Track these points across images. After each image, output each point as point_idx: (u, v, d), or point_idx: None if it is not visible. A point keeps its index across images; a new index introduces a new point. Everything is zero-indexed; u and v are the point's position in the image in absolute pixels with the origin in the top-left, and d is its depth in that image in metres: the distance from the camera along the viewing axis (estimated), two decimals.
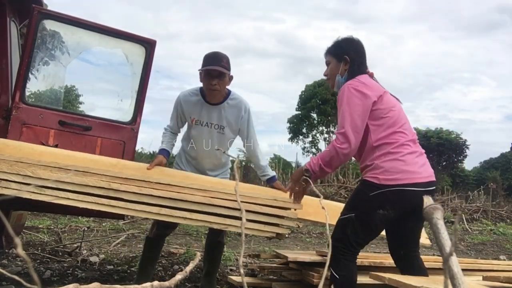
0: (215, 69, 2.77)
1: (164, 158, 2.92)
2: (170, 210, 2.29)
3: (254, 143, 3.06)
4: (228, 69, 2.84)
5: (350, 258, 2.23)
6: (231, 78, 2.91)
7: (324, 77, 2.52)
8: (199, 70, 2.84)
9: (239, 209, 2.26)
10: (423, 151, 2.35)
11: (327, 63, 2.45)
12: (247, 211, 2.28)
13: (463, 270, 0.94)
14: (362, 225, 2.20)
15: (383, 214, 2.16)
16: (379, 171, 2.18)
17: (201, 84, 2.92)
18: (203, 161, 3.02)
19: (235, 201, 2.26)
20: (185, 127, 3.09)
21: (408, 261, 2.32)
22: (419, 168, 2.21)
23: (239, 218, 2.29)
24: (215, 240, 3.07)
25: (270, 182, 3.05)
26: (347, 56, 2.34)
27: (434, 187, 2.27)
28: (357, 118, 2.17)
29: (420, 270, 2.29)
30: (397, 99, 2.42)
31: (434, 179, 2.28)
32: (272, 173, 3.07)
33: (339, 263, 2.18)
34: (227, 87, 2.94)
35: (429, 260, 3.08)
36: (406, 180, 2.16)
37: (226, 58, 2.84)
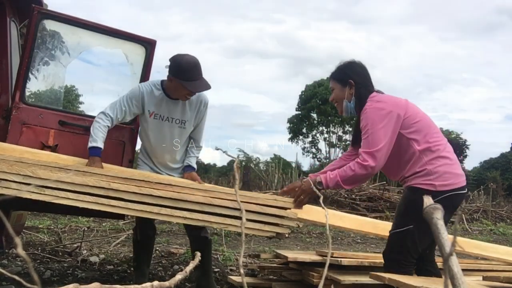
0: (201, 91, 2.80)
1: (101, 160, 2.67)
2: (170, 210, 2.29)
3: (202, 134, 3.06)
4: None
5: (410, 270, 2.21)
6: None
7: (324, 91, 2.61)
8: (180, 81, 2.69)
9: (239, 209, 2.26)
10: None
11: (332, 89, 2.46)
12: (247, 211, 2.28)
13: (463, 270, 0.94)
14: (423, 235, 2.13)
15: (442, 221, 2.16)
16: (433, 177, 2.14)
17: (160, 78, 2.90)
18: (163, 156, 2.95)
19: (235, 201, 2.26)
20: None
21: (425, 261, 2.34)
22: (462, 171, 2.25)
23: (239, 218, 2.29)
24: (198, 235, 2.94)
25: (186, 170, 3.00)
26: (351, 80, 2.34)
27: (467, 191, 2.30)
28: (380, 136, 2.14)
29: (435, 271, 2.32)
30: None
31: (466, 182, 2.30)
32: (194, 165, 3.04)
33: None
34: None
35: None
36: (459, 184, 2.19)
37: (200, 68, 2.77)
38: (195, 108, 2.94)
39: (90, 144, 2.67)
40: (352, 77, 2.35)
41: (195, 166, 3.06)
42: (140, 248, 3.07)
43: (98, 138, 2.68)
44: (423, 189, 2.10)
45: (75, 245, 4.29)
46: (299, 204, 2.44)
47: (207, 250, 3.02)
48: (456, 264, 0.91)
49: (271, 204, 2.47)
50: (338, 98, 2.42)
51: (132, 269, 3.58)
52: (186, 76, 2.69)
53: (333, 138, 35.70)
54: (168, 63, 2.81)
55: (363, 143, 2.20)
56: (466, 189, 2.22)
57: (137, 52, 3.18)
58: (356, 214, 8.73)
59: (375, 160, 2.14)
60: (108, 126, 2.76)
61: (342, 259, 2.84)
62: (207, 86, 2.77)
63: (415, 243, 2.18)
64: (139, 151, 3.17)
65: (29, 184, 2.12)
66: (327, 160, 32.54)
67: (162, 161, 2.98)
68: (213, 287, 3.05)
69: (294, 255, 3.04)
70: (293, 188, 2.51)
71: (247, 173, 12.52)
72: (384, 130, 2.15)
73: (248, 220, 2.30)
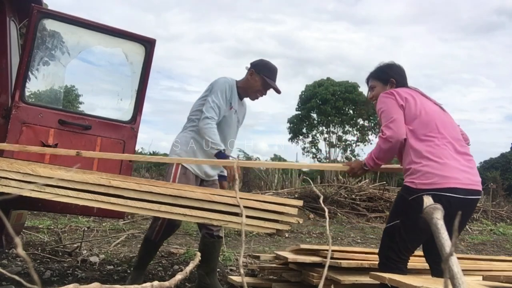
0: (279, 90, 3.08)
1: None
2: (170, 207, 2.29)
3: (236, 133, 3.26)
4: None
5: (402, 267, 2.25)
6: None
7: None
8: (263, 76, 3.02)
9: (239, 206, 2.26)
10: (470, 157, 2.33)
11: (372, 88, 2.62)
12: (246, 207, 2.28)
13: (463, 270, 0.94)
14: (408, 230, 2.23)
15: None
16: (416, 175, 2.20)
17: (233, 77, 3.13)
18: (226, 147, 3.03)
19: (235, 197, 2.26)
20: None
21: (437, 262, 2.33)
22: (458, 174, 2.19)
23: (239, 215, 2.29)
24: (212, 234, 3.02)
25: (220, 179, 3.22)
26: (393, 78, 2.53)
27: (476, 197, 2.23)
28: (392, 111, 2.31)
29: None
30: (440, 106, 2.47)
31: (478, 187, 2.25)
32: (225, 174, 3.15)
33: (393, 273, 2.17)
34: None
35: None
36: (443, 185, 2.14)
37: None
38: (244, 110, 3.27)
39: (216, 150, 2.77)
40: (394, 76, 2.54)
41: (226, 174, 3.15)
42: (152, 249, 3.06)
43: (218, 142, 2.79)
44: (406, 186, 2.24)
45: (75, 245, 4.29)
46: (353, 174, 2.64)
47: (217, 250, 3.09)
48: (456, 264, 0.90)
49: (271, 201, 2.47)
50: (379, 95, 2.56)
51: (132, 269, 3.58)
52: (270, 74, 3.06)
53: (333, 138, 35.69)
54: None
55: (381, 122, 2.40)
56: (466, 195, 2.14)
57: (137, 51, 3.18)
58: (356, 214, 8.74)
59: (391, 130, 2.28)
60: (215, 126, 2.90)
61: (341, 261, 2.83)
62: (279, 90, 3.11)
63: (402, 238, 2.25)
64: (183, 144, 3.02)
65: (29, 182, 2.11)
66: (327, 160, 32.54)
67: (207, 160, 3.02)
68: (217, 286, 3.05)
69: (294, 255, 3.04)
70: (349, 165, 2.67)
71: (247, 173, 12.52)
72: (393, 106, 2.34)
73: (247, 217, 2.30)
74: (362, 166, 2.48)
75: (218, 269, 3.72)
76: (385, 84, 2.54)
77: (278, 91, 3.10)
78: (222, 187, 3.17)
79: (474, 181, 2.23)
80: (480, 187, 2.28)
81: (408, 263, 2.37)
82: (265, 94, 3.12)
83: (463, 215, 2.23)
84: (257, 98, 3.15)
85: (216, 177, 3.19)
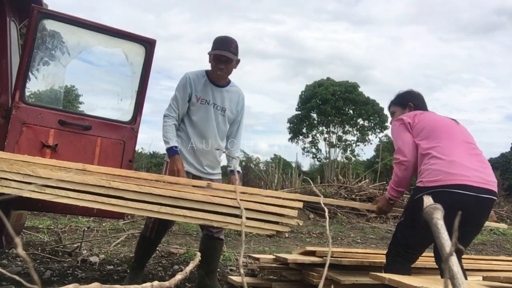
0: (224, 55, 2.87)
1: (181, 158, 2.89)
2: (170, 208, 2.29)
3: (240, 130, 3.19)
4: (236, 54, 2.95)
5: (400, 260, 2.34)
6: (238, 62, 3.01)
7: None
8: (208, 53, 2.92)
9: (239, 208, 2.26)
10: (483, 159, 2.36)
11: (392, 113, 2.79)
12: (247, 209, 2.28)
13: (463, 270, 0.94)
14: (409, 228, 2.34)
15: None
16: (425, 174, 2.26)
17: (206, 67, 3.02)
18: (209, 143, 2.98)
19: (235, 199, 2.26)
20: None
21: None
22: (467, 171, 2.20)
23: (239, 216, 2.29)
24: (212, 235, 2.99)
25: (232, 173, 3.15)
26: (411, 103, 2.69)
27: (490, 196, 2.23)
28: (402, 136, 2.47)
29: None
30: (454, 120, 2.57)
31: (491, 187, 2.25)
32: (235, 168, 3.09)
33: (388, 264, 2.35)
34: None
35: (430, 260, 3.07)
36: (449, 181, 2.16)
37: (235, 43, 2.94)
38: (235, 99, 3.10)
39: (166, 147, 2.89)
40: (411, 100, 2.70)
41: (236, 168, 3.10)
42: (148, 247, 3.04)
43: (169, 138, 2.89)
44: (416, 186, 2.32)
45: (75, 245, 4.29)
46: (381, 213, 2.81)
47: (218, 251, 3.07)
48: (456, 264, 0.90)
49: (271, 203, 2.47)
50: None
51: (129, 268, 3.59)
52: (215, 45, 2.91)
53: (333, 138, 35.70)
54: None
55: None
56: (478, 193, 2.15)
57: (137, 52, 3.18)
58: (356, 214, 8.74)
59: (402, 154, 2.42)
60: (175, 124, 2.95)
61: (342, 258, 2.84)
62: (227, 52, 2.85)
63: (404, 235, 2.38)
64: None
65: (29, 183, 2.11)
66: (327, 160, 32.54)
67: (203, 148, 2.98)
68: (217, 287, 3.04)
69: (293, 257, 3.04)
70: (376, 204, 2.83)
71: (247, 173, 12.52)
72: (400, 131, 2.50)
73: (248, 218, 2.30)
74: (387, 201, 2.61)
75: (218, 269, 3.72)
76: (404, 108, 2.69)
77: (220, 55, 2.86)
78: (232, 182, 3.08)
79: (486, 180, 2.23)
80: (494, 187, 2.28)
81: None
82: (222, 67, 2.90)
83: (477, 215, 2.23)
84: (219, 76, 2.95)
85: (217, 175, 3.13)
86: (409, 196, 2.65)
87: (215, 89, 3.01)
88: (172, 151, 2.87)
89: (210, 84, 3.00)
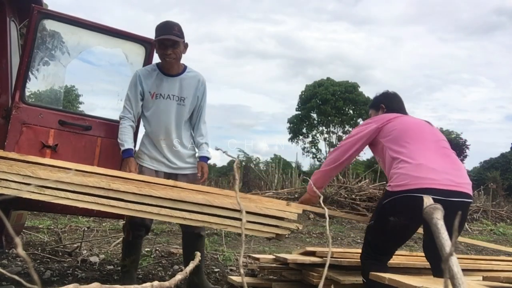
0: (168, 38, 2.78)
1: (135, 161, 2.85)
2: (169, 210, 2.29)
3: (202, 116, 3.06)
4: (181, 36, 2.84)
5: (374, 262, 2.34)
6: (186, 45, 2.92)
7: None
8: (152, 42, 2.88)
9: (238, 210, 2.26)
10: (455, 160, 2.32)
11: (370, 115, 2.82)
12: (247, 212, 2.28)
13: (463, 270, 0.94)
14: (378, 231, 2.36)
15: (395, 221, 2.18)
16: (393, 178, 2.25)
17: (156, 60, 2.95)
18: (169, 136, 2.90)
19: (235, 202, 2.26)
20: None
21: (439, 267, 2.33)
22: (435, 174, 2.14)
23: (239, 219, 2.29)
24: (192, 232, 2.89)
25: (200, 160, 3.03)
26: (383, 104, 2.72)
27: (461, 199, 2.15)
28: (348, 139, 2.58)
29: None
30: (427, 122, 2.58)
31: (463, 189, 2.17)
32: (206, 153, 3.02)
33: (364, 267, 2.36)
34: (184, 63, 2.98)
35: None
36: (416, 185, 2.11)
37: (177, 26, 2.84)
38: (193, 85, 2.98)
39: (121, 149, 2.85)
40: (383, 102, 2.72)
41: (206, 154, 3.02)
42: (130, 248, 2.96)
43: (124, 141, 2.86)
44: (385, 190, 2.34)
45: (75, 245, 4.29)
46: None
47: (199, 248, 2.94)
48: (456, 264, 0.91)
49: (270, 207, 2.47)
50: None
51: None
52: (156, 34, 2.82)
53: (333, 138, 35.70)
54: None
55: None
56: (448, 197, 2.07)
57: (137, 52, 3.18)
58: (356, 214, 8.74)
59: (334, 152, 2.62)
60: (131, 126, 2.90)
61: (342, 259, 2.84)
62: (170, 35, 2.75)
63: (373, 238, 2.41)
64: (139, 145, 3.06)
65: (29, 184, 2.11)
66: None
67: (169, 143, 2.92)
68: (205, 284, 3.01)
69: (293, 257, 3.04)
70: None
71: (247, 173, 12.52)
72: (355, 134, 2.56)
73: (247, 221, 2.30)
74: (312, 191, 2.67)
75: (218, 269, 3.72)
76: (377, 110, 2.73)
77: (164, 39, 2.77)
78: (203, 168, 2.97)
79: (457, 182, 2.16)
80: (467, 190, 2.19)
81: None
82: (170, 53, 2.81)
83: (448, 220, 2.20)
84: (168, 63, 2.86)
85: (191, 169, 3.00)
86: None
87: (169, 80, 2.91)
88: (125, 154, 2.84)
89: (163, 75, 2.91)
